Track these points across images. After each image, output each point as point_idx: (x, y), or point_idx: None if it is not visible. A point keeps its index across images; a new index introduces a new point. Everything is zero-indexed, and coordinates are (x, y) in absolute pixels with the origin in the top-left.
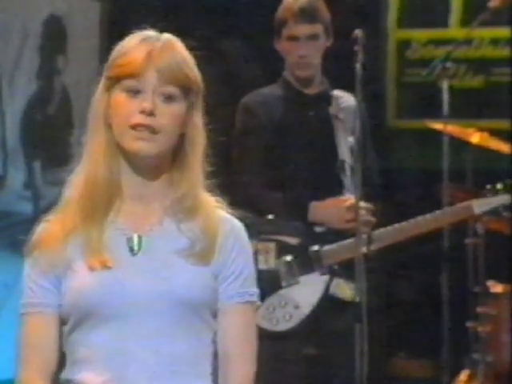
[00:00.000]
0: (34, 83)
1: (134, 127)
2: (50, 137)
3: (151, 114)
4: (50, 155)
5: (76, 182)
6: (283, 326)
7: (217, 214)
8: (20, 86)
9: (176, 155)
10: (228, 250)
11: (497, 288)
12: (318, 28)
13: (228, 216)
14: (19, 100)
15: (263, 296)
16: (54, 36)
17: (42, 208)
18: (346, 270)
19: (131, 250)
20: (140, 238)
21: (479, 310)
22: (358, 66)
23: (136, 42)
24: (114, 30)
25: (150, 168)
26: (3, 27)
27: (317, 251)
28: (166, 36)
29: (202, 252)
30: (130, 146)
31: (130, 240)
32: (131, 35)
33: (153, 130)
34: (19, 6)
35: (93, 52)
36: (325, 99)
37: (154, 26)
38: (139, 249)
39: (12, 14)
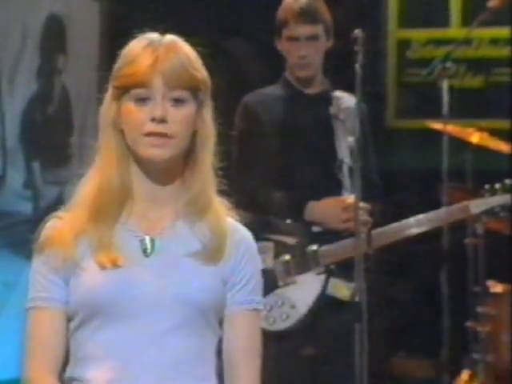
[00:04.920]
0: (34, 83)
1: (147, 135)
2: (50, 137)
3: (162, 121)
4: (50, 155)
5: (88, 186)
6: (280, 326)
7: (228, 220)
8: (20, 86)
9: (188, 155)
10: (239, 257)
11: (497, 288)
12: (319, 28)
13: (239, 225)
14: (19, 100)
15: None
16: (54, 36)
17: (41, 208)
18: (343, 269)
19: (144, 251)
20: (153, 240)
21: (479, 309)
22: (358, 66)
23: (140, 48)
24: (114, 30)
25: (162, 171)
26: (3, 27)
27: (314, 251)
28: (169, 38)
29: (212, 252)
30: (144, 153)
31: (142, 242)
32: (134, 40)
33: (166, 136)
34: (19, 6)
35: (93, 52)
36: (325, 99)
37: (153, 26)
38: (152, 251)
39: (12, 14)
